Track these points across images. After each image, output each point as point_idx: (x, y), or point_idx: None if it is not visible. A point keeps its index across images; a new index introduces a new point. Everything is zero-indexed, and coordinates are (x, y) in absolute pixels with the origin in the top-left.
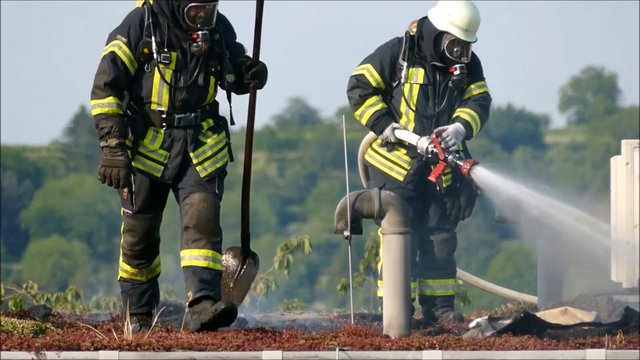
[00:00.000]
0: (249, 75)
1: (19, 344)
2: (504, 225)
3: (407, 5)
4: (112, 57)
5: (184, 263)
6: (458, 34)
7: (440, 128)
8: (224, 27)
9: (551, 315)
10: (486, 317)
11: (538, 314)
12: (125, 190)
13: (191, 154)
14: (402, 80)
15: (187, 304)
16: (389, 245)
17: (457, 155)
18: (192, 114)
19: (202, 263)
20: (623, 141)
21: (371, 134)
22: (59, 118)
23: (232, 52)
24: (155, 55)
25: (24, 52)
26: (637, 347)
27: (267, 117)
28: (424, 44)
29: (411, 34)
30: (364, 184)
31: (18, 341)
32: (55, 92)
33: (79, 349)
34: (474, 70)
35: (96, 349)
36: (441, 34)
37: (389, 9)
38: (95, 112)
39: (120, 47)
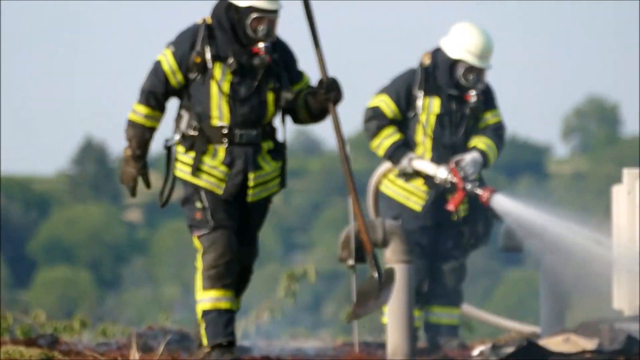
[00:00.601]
0: (323, 90)
1: None
2: (507, 254)
3: (411, 36)
4: (156, 66)
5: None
6: (473, 61)
7: (458, 157)
8: (283, 49)
9: (554, 344)
10: (490, 345)
11: (541, 342)
12: (197, 211)
13: (250, 175)
14: (419, 111)
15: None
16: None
17: (476, 184)
18: (254, 131)
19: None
20: (625, 170)
21: (385, 165)
22: (65, 149)
23: (291, 77)
24: (209, 66)
25: (27, 80)
26: None
27: None
28: (439, 73)
29: (424, 65)
30: (372, 214)
31: None
32: (60, 123)
33: None
34: (488, 99)
35: None
36: (456, 62)
37: (392, 41)
38: (128, 116)
39: (166, 57)
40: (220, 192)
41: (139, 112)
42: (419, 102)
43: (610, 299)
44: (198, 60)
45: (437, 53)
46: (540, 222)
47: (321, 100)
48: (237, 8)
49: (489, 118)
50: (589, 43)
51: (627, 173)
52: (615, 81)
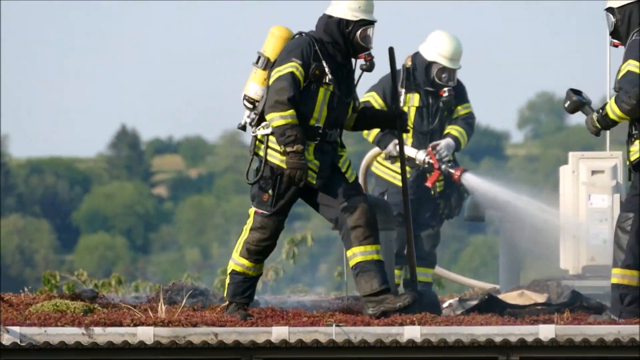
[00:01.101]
0: (400, 121)
1: (72, 321)
2: (472, 223)
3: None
4: (292, 76)
5: (358, 259)
6: (445, 62)
7: (434, 142)
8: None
9: (510, 298)
10: (457, 299)
11: (499, 296)
12: (267, 193)
13: (339, 164)
14: (401, 104)
15: (365, 294)
16: None
17: (449, 164)
18: (337, 131)
19: (377, 257)
20: (570, 153)
21: (374, 150)
22: (103, 134)
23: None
24: (326, 78)
25: (70, 73)
26: (581, 323)
27: None
28: (418, 73)
29: (407, 66)
30: (364, 190)
31: (71, 319)
32: (99, 112)
33: (120, 325)
34: (460, 94)
35: (135, 325)
36: (431, 64)
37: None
38: (278, 123)
39: (297, 68)
40: (314, 182)
41: (292, 115)
42: (402, 97)
43: (558, 261)
44: (317, 72)
45: (415, 56)
46: (501, 196)
47: (396, 126)
48: (347, 22)
49: (460, 110)
50: (541, 45)
51: (572, 155)
52: (562, 78)
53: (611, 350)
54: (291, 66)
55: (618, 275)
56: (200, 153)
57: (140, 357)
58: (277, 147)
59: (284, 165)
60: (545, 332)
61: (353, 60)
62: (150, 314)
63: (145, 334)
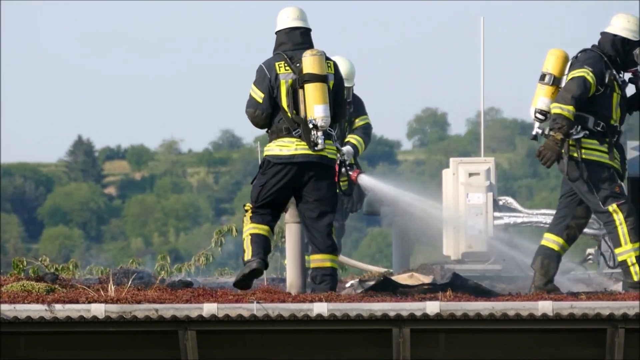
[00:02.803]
0: None
1: (36, 299)
2: (369, 216)
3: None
4: (582, 80)
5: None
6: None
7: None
8: None
9: (402, 279)
10: (357, 280)
11: (393, 278)
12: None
13: None
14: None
15: None
16: (290, 231)
17: (348, 167)
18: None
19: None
20: (451, 159)
21: None
22: (63, 143)
23: None
24: (616, 85)
25: (39, 95)
26: (461, 300)
27: (206, 143)
28: None
29: None
30: None
31: (35, 297)
32: (59, 124)
33: (77, 302)
34: (358, 107)
35: (89, 302)
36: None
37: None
38: (556, 111)
39: (588, 74)
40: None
41: (570, 110)
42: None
43: (441, 248)
44: (610, 79)
45: None
46: (391, 193)
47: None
48: (626, 40)
49: (359, 121)
50: (425, 66)
51: (452, 160)
52: (444, 95)
53: (486, 323)
54: (583, 72)
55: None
56: (144, 159)
57: (93, 329)
58: (598, 147)
59: (612, 163)
60: (432, 307)
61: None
62: (102, 293)
63: (98, 310)
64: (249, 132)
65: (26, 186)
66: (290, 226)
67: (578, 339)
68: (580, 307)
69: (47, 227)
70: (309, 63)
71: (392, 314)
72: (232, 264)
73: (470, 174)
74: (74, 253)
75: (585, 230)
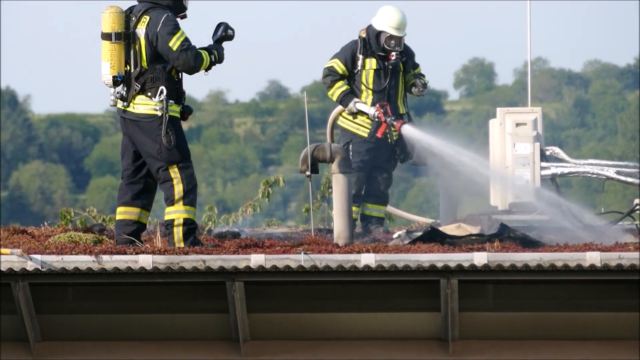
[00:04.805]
0: None
1: (84, 250)
2: (417, 167)
3: (359, 11)
4: None
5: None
6: (392, 31)
7: (383, 102)
8: None
9: (449, 229)
10: (405, 230)
11: (440, 228)
12: None
13: None
14: (360, 68)
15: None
16: (337, 181)
17: (392, 118)
18: None
19: None
20: (497, 109)
21: (338, 107)
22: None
23: None
24: None
25: (88, 44)
26: (509, 250)
27: (253, 94)
28: (371, 42)
29: (362, 36)
30: (328, 140)
31: (83, 248)
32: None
33: (125, 253)
34: (411, 58)
35: (137, 253)
36: (380, 33)
37: (344, 15)
38: None
39: None
40: None
41: None
42: (360, 62)
43: (488, 198)
44: None
45: (369, 28)
46: (436, 145)
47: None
48: None
49: (417, 71)
50: (472, 19)
51: (499, 110)
52: (491, 45)
53: (534, 274)
54: None
55: None
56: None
57: (140, 280)
58: None
59: None
60: (479, 258)
61: None
62: (149, 244)
63: (145, 261)
64: (295, 83)
65: (73, 137)
66: (337, 176)
67: (626, 289)
68: (629, 257)
69: (94, 177)
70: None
71: (439, 264)
72: (279, 215)
73: (518, 124)
74: None
75: (632, 180)
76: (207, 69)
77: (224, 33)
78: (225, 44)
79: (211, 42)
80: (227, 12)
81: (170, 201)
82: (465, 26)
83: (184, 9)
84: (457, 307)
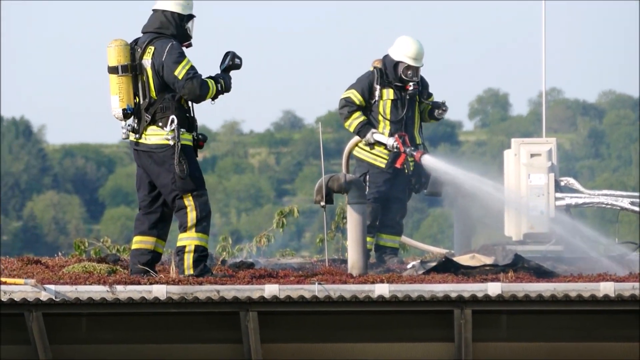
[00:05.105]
0: None
1: (98, 280)
2: (431, 197)
3: (369, 45)
4: None
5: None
6: (410, 62)
7: (401, 132)
8: None
9: (463, 260)
10: (419, 261)
11: (454, 259)
12: None
13: None
14: (377, 99)
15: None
16: (352, 212)
17: (411, 148)
18: None
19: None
20: (512, 139)
21: (355, 138)
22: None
23: None
24: None
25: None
26: (523, 281)
27: (268, 124)
28: (388, 72)
29: (379, 67)
30: (343, 170)
31: (97, 278)
32: None
33: (139, 284)
34: (426, 89)
35: (151, 284)
36: (398, 63)
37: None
38: None
39: None
40: None
41: None
42: (377, 93)
43: (503, 229)
44: None
45: (385, 58)
46: (455, 174)
47: None
48: None
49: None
50: (488, 48)
51: (514, 141)
52: (506, 76)
53: (548, 304)
54: None
55: None
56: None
57: (154, 310)
58: None
59: None
60: (493, 288)
61: None
62: (163, 274)
63: (159, 291)
64: (310, 114)
65: (87, 167)
66: (352, 207)
67: None
68: None
69: (109, 208)
70: None
71: (453, 295)
72: (293, 245)
73: (532, 155)
74: None
75: None
76: (213, 98)
77: (231, 62)
78: (239, 74)
79: (218, 71)
80: (242, 42)
81: (184, 228)
82: (479, 56)
83: (189, 37)
84: (471, 337)
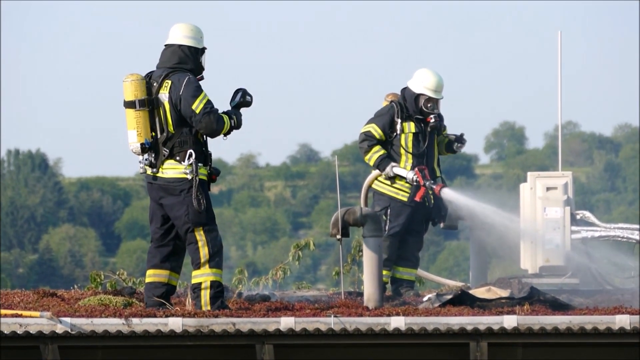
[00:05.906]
0: None
1: (114, 313)
2: (447, 230)
3: (385, 75)
4: None
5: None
6: (431, 94)
7: (421, 166)
8: None
9: (479, 292)
10: (435, 293)
11: (470, 291)
12: None
13: None
14: (399, 132)
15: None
16: (368, 245)
17: (431, 181)
18: None
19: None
20: (528, 173)
21: (375, 172)
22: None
23: None
24: None
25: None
26: (539, 313)
27: (284, 157)
28: (408, 104)
29: (396, 100)
30: (362, 204)
31: (113, 311)
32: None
33: (155, 316)
34: (442, 121)
35: (167, 316)
36: (418, 95)
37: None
38: None
39: None
40: None
41: None
42: (398, 126)
43: (519, 262)
44: None
45: (405, 91)
46: (473, 207)
47: None
48: None
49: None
50: (503, 82)
51: (530, 175)
52: (522, 109)
53: (564, 337)
54: None
55: None
56: (221, 173)
57: (170, 343)
58: None
59: None
60: (509, 321)
61: None
62: (179, 307)
63: (175, 323)
64: (326, 147)
65: (103, 200)
66: (368, 240)
67: None
68: None
69: (125, 240)
70: None
71: (469, 327)
72: (309, 278)
73: (548, 188)
74: None
75: None
76: (226, 134)
77: (242, 99)
78: (254, 107)
79: (229, 108)
80: (258, 77)
81: (197, 264)
82: (495, 90)
83: (202, 69)
84: None
